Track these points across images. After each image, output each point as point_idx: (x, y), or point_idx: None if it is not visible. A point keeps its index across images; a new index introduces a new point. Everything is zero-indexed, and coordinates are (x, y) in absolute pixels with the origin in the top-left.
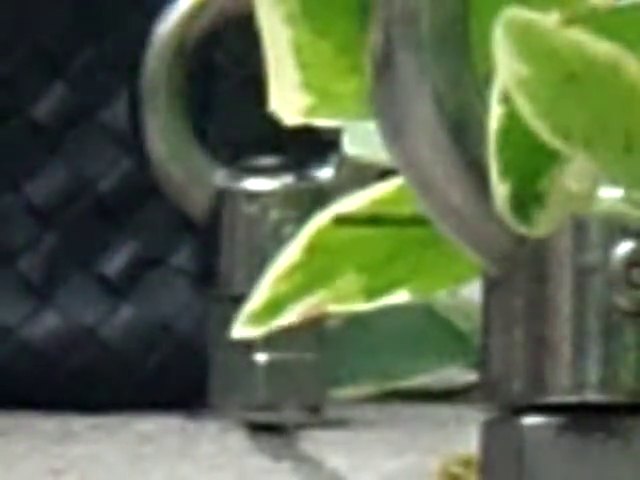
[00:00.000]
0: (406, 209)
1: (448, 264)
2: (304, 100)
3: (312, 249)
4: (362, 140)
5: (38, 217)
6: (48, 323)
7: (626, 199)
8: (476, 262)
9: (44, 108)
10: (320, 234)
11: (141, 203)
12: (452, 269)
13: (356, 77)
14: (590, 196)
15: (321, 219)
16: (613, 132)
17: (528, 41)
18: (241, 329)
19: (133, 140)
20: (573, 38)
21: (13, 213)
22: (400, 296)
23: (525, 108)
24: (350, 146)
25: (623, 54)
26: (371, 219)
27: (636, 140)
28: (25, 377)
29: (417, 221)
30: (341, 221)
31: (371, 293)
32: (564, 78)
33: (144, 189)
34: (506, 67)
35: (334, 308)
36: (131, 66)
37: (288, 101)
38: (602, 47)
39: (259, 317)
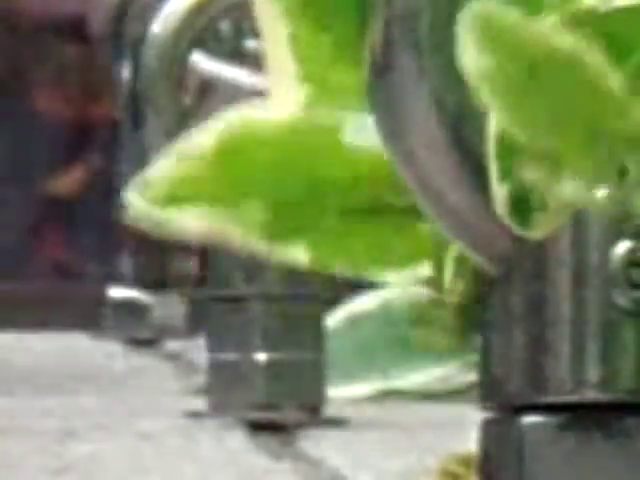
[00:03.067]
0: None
1: (353, 238)
2: (303, 93)
3: (223, 142)
4: (363, 131)
5: None
6: None
7: (622, 203)
8: (384, 250)
9: None
10: (233, 130)
11: None
12: (357, 245)
13: (355, 70)
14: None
15: (234, 120)
16: (576, 123)
17: (491, 34)
18: (133, 195)
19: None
20: (535, 31)
21: None
22: (295, 250)
23: (489, 100)
24: (352, 135)
25: (585, 46)
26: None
27: (599, 132)
28: None
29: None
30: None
31: (271, 233)
32: (527, 70)
33: None
34: (469, 60)
35: (236, 237)
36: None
37: (288, 94)
38: (564, 40)
39: (155, 189)
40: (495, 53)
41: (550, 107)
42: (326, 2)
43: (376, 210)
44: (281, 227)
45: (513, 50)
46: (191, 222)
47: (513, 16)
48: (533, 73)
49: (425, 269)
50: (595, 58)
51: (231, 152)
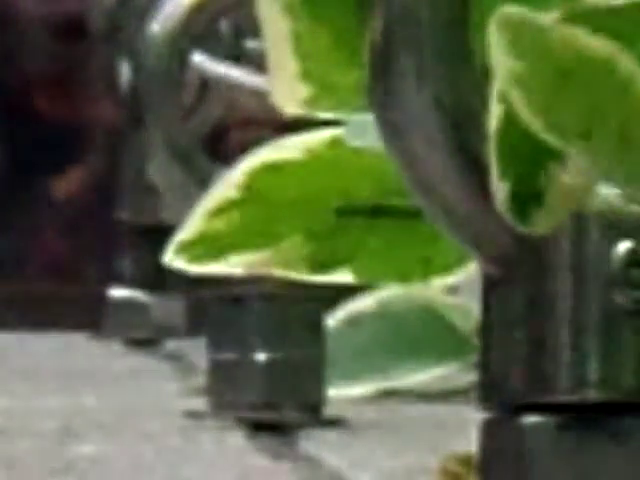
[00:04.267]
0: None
1: (394, 250)
2: (304, 91)
3: (247, 189)
4: (363, 133)
5: None
6: None
7: (623, 195)
8: (426, 257)
9: None
10: (255, 175)
11: None
12: (399, 257)
13: (356, 67)
14: (588, 192)
15: (254, 160)
16: (608, 128)
17: (523, 38)
18: (172, 258)
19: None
20: (567, 34)
21: None
22: (342, 275)
23: (520, 104)
24: (351, 139)
25: (617, 49)
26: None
27: (631, 135)
28: None
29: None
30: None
31: (316, 264)
32: (559, 74)
33: None
34: (501, 64)
35: (279, 272)
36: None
37: (288, 92)
38: (596, 43)
39: (192, 249)
40: (526, 57)
41: (582, 111)
42: None
43: (413, 216)
44: (324, 256)
45: (544, 54)
46: (235, 268)
47: (545, 20)
48: (564, 77)
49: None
50: (627, 62)
51: (257, 196)
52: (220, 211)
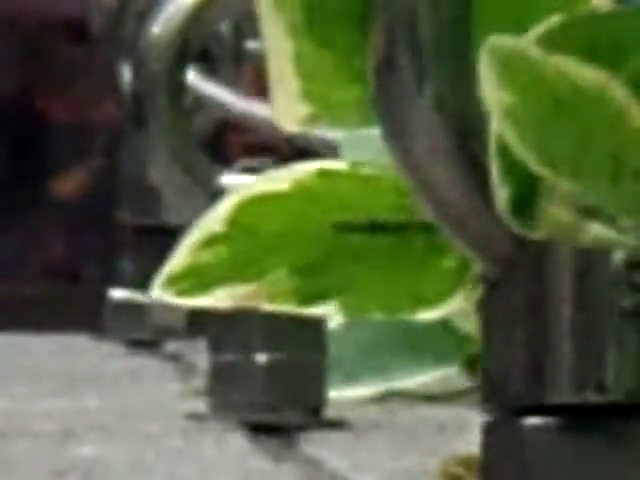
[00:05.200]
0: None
1: (382, 284)
2: (305, 109)
3: (234, 222)
4: (359, 146)
5: None
6: None
7: (616, 227)
8: (414, 291)
9: None
10: (242, 208)
11: None
12: (386, 291)
13: (357, 86)
14: (579, 228)
15: (241, 193)
16: (600, 160)
17: (513, 69)
18: (160, 291)
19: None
20: (558, 65)
21: None
22: (329, 308)
23: (511, 136)
24: (347, 152)
25: (609, 80)
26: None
27: (624, 167)
28: None
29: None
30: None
31: (302, 298)
32: (550, 105)
33: None
34: (492, 97)
35: (266, 305)
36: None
37: (289, 110)
38: (588, 73)
39: (179, 282)
40: (518, 89)
41: (574, 143)
42: (329, 19)
43: (400, 250)
44: (311, 289)
45: (536, 86)
46: (222, 301)
47: (535, 51)
48: (556, 109)
49: (456, 302)
50: (618, 93)
51: (244, 229)
52: (207, 244)
